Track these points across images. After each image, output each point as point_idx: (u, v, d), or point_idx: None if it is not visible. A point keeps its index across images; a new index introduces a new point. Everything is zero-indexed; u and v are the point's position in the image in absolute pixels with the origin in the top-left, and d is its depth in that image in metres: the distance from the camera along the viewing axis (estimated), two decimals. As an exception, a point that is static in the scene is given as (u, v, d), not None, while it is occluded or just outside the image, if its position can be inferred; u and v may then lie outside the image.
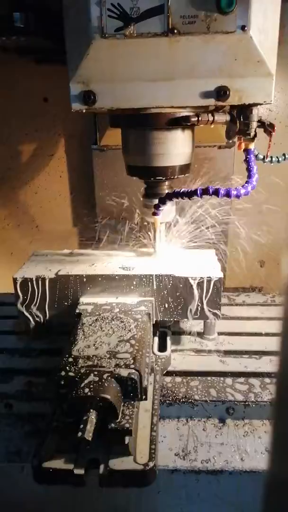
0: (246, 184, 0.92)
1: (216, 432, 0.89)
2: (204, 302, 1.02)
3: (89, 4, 0.79)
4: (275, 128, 0.93)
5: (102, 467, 0.72)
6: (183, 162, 0.99)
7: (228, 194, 0.89)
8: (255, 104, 0.87)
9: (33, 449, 0.80)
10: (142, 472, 0.72)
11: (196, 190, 0.91)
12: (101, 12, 0.79)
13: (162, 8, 0.78)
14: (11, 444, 0.88)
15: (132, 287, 1.03)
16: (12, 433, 0.90)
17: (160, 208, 1.01)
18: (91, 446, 0.68)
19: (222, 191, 0.89)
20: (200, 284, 1.01)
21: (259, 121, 0.91)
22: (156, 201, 1.02)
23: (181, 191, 0.94)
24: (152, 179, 1.02)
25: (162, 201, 1.00)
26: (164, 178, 1.00)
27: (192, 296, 1.02)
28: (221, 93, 0.83)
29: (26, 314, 1.05)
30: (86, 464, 0.73)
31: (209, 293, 1.01)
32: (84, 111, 0.87)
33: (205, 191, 0.90)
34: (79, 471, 0.71)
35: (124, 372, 0.76)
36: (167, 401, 0.92)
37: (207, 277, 1.00)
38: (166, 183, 1.03)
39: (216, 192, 0.90)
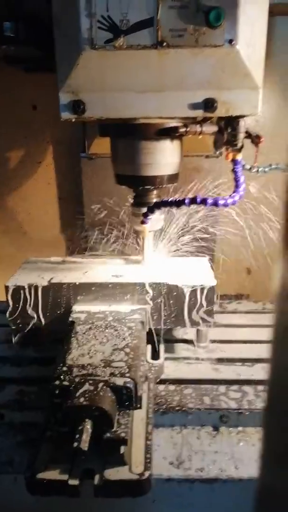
0: (233, 194, 0.93)
1: (210, 440, 0.89)
2: (198, 310, 1.03)
3: (79, 15, 0.79)
4: (262, 139, 0.95)
5: (97, 477, 0.71)
6: (172, 171, 1.00)
7: (215, 204, 0.90)
8: (242, 116, 0.89)
9: (25, 459, 0.79)
10: (137, 482, 0.71)
11: (184, 199, 0.92)
12: (91, 23, 0.80)
13: (151, 21, 0.79)
14: (3, 454, 0.86)
15: (125, 295, 1.03)
16: (3, 443, 0.89)
17: (148, 217, 1.02)
18: (87, 456, 0.67)
19: (209, 201, 0.90)
20: (193, 292, 1.01)
21: (246, 132, 0.93)
22: (144, 209, 1.02)
23: (169, 200, 0.95)
24: (140, 188, 1.02)
25: (151, 210, 1.01)
26: (152, 187, 1.01)
27: (185, 304, 1.02)
28: (209, 105, 0.85)
29: (18, 322, 1.04)
30: (81, 474, 0.72)
31: (203, 301, 1.02)
32: (73, 120, 0.88)
33: (193, 201, 0.91)
34: (74, 482, 0.70)
35: (119, 381, 0.75)
36: (161, 410, 0.92)
37: (200, 285, 1.01)
38: (155, 192, 1.04)
39: (203, 202, 0.91)
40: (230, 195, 0.93)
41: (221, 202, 0.91)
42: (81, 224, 1.38)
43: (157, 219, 1.06)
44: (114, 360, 0.81)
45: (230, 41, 0.81)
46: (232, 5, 0.78)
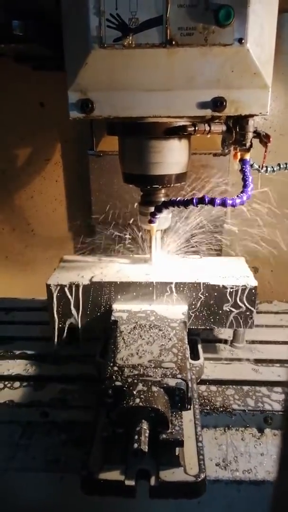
0: (241, 194, 0.93)
1: (255, 442, 0.89)
2: (239, 310, 1.02)
3: (88, 14, 0.79)
4: (271, 138, 0.94)
5: (153, 478, 0.71)
6: (180, 170, 1.00)
7: (223, 204, 0.90)
8: (251, 115, 0.88)
9: (71, 459, 0.80)
10: (194, 483, 0.71)
11: (192, 199, 0.92)
12: (100, 22, 0.79)
13: (160, 19, 0.79)
14: (49, 453, 0.87)
15: (166, 295, 1.03)
16: (49, 441, 0.90)
17: (156, 216, 1.02)
18: (142, 457, 0.67)
19: (217, 201, 0.90)
20: (235, 293, 1.01)
21: (254, 131, 0.92)
22: (152, 208, 1.02)
23: (177, 199, 0.95)
24: (148, 187, 1.02)
25: (158, 209, 1.00)
26: (160, 186, 1.01)
27: (226, 304, 1.02)
28: (218, 104, 0.84)
29: (58, 320, 1.05)
30: (136, 475, 0.72)
31: (244, 302, 1.02)
32: (82, 118, 0.88)
33: (201, 200, 0.91)
34: (130, 482, 0.70)
35: (172, 382, 0.75)
36: (205, 410, 0.92)
37: (242, 285, 1.01)
38: (163, 191, 1.04)
39: (211, 201, 0.91)
40: (238, 195, 0.92)
41: (229, 202, 0.90)
42: (89, 222, 1.38)
43: (165, 218, 1.06)
44: (164, 361, 0.81)
45: (240, 40, 0.80)
46: (242, 4, 0.77)
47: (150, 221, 1.04)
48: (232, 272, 1.07)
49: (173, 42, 0.80)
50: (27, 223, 1.54)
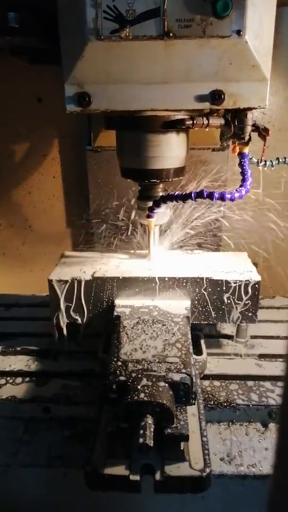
0: (240, 188, 0.92)
1: (259, 436, 0.88)
2: (242, 305, 1.02)
3: (85, 5, 0.78)
4: (270, 131, 0.93)
5: (158, 473, 0.71)
6: (178, 165, 0.99)
7: (222, 198, 0.89)
8: (250, 109, 0.87)
9: (74, 454, 0.80)
10: (199, 478, 0.71)
11: (190, 193, 0.91)
12: (96, 14, 0.78)
13: (158, 11, 0.78)
14: (52, 449, 0.87)
15: (169, 290, 1.02)
16: (52, 437, 0.89)
17: (154, 211, 1.01)
18: (147, 452, 0.67)
19: (216, 195, 0.89)
20: (238, 287, 1.00)
21: (253, 125, 0.91)
22: (150, 203, 1.01)
23: (176, 194, 0.94)
24: (146, 181, 1.01)
25: (157, 204, 1.00)
26: (158, 181, 1.00)
27: (229, 299, 1.01)
28: (216, 97, 0.83)
29: (60, 316, 1.04)
30: (140, 470, 0.72)
31: (248, 296, 1.01)
32: (79, 112, 0.87)
33: (199, 194, 0.91)
34: (135, 477, 0.70)
35: (176, 377, 0.75)
36: (209, 405, 0.91)
37: (246, 280, 1.00)
38: (161, 185, 1.03)
39: (210, 196, 0.90)
40: (236, 189, 0.92)
41: (227, 196, 0.89)
42: (86, 218, 1.38)
43: (163, 213, 1.05)
44: (168, 356, 0.81)
45: (238, 32, 0.79)
46: (240, -5, 0.76)
47: (148, 216, 1.03)
48: (235, 267, 1.06)
49: (171, 34, 0.79)
50: (25, 219, 1.53)
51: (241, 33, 0.79)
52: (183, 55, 0.81)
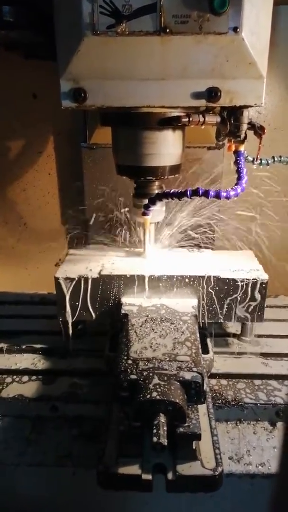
0: (235, 186, 0.92)
1: (267, 435, 0.88)
2: (249, 304, 1.01)
3: (81, 0, 0.77)
4: (265, 130, 0.93)
5: (170, 472, 0.71)
6: (174, 162, 0.98)
7: (218, 196, 0.89)
8: (246, 106, 0.87)
9: (83, 453, 0.79)
10: (212, 477, 0.70)
11: (186, 191, 0.91)
12: (93, 8, 0.78)
13: (154, 6, 0.78)
14: (60, 447, 0.86)
15: (176, 288, 1.02)
16: (60, 436, 0.88)
17: (150, 208, 1.01)
18: (158, 451, 0.66)
19: (211, 193, 0.89)
20: (246, 286, 1.00)
21: (249, 123, 0.91)
22: (146, 201, 1.01)
23: (171, 191, 0.94)
24: (142, 179, 1.01)
25: (152, 201, 0.99)
26: (154, 178, 1.00)
27: (237, 298, 1.01)
28: (212, 94, 0.83)
29: (66, 314, 1.03)
30: (152, 469, 0.71)
31: (255, 295, 1.01)
32: (74, 108, 0.86)
33: (195, 192, 0.90)
34: (147, 477, 0.70)
35: (188, 375, 0.75)
36: (217, 404, 0.91)
37: (253, 279, 1.00)
38: (156, 183, 1.03)
39: (205, 194, 0.90)
40: (232, 188, 0.91)
41: (223, 194, 0.89)
42: (82, 215, 1.37)
43: (158, 210, 1.04)
44: (179, 354, 0.80)
45: (235, 29, 0.79)
46: (237, -9, 0.76)
47: (144, 214, 1.03)
48: (242, 266, 1.06)
49: (167, 30, 0.79)
50: (20, 217, 1.52)
51: (238, 30, 0.79)
52: (180, 51, 0.80)
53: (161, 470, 0.72)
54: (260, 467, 0.81)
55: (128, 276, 1.01)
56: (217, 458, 0.73)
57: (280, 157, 1.06)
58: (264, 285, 1.00)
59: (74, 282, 1.01)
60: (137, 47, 0.80)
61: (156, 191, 1.02)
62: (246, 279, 1.00)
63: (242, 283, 1.00)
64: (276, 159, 1.06)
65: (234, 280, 1.00)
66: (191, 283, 1.01)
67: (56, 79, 0.85)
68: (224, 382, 0.97)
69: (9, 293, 1.45)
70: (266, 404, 0.91)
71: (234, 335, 1.14)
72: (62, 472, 0.83)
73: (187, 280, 1.01)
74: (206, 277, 1.00)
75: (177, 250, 1.17)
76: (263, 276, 1.01)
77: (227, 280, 1.00)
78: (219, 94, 0.83)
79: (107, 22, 0.79)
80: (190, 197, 0.92)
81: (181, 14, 0.78)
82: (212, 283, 1.00)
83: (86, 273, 1.02)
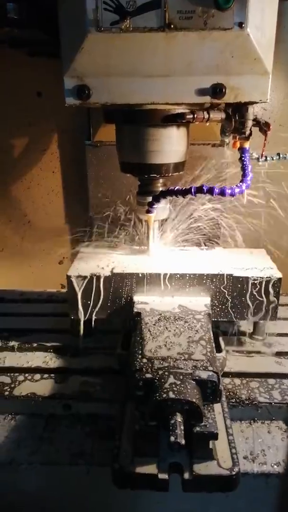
0: (240, 183, 0.91)
1: (282, 434, 0.87)
2: (263, 302, 1.01)
3: (85, -4, 0.77)
4: (271, 126, 0.92)
5: (187, 472, 0.70)
6: (178, 159, 0.98)
7: (222, 193, 0.89)
8: (251, 103, 0.87)
9: (96, 451, 0.80)
10: (229, 477, 0.70)
11: (190, 188, 0.91)
12: (96, 4, 0.77)
13: (158, 2, 0.77)
14: (73, 446, 0.86)
15: (189, 286, 1.01)
16: (73, 434, 0.88)
17: (154, 206, 1.01)
18: (174, 450, 0.66)
19: (216, 190, 0.89)
20: (259, 284, 0.99)
21: (254, 119, 0.91)
22: (150, 198, 1.01)
23: (175, 189, 0.93)
24: (146, 176, 1.01)
25: (156, 199, 0.99)
26: (158, 176, 0.99)
27: (250, 297, 1.01)
28: (217, 90, 0.83)
29: (78, 312, 1.03)
30: (168, 469, 0.71)
31: (268, 294, 1.00)
32: (78, 105, 0.86)
33: (199, 190, 0.90)
34: (163, 476, 0.70)
35: (204, 374, 0.74)
36: (231, 403, 0.90)
37: (267, 277, 0.99)
38: (160, 180, 1.03)
39: (210, 191, 0.89)
40: (237, 185, 0.91)
41: (228, 191, 0.89)
42: (86, 213, 1.37)
43: (162, 208, 1.04)
44: (194, 353, 0.80)
45: (240, 24, 0.78)
46: (242, -13, 0.75)
47: (148, 211, 1.02)
48: (255, 264, 1.05)
49: (172, 26, 0.78)
50: (24, 215, 1.52)
51: (243, 25, 0.78)
52: (184, 47, 0.80)
53: (177, 469, 0.71)
54: (275, 466, 0.81)
55: (140, 274, 1.01)
56: (233, 458, 0.72)
57: (286, 154, 1.05)
58: (278, 284, 0.99)
59: (86, 280, 1.01)
60: (141, 44, 0.79)
61: (160, 189, 1.02)
62: (260, 277, 0.99)
63: (255, 282, 0.99)
64: (281, 156, 1.05)
65: (247, 279, 0.99)
66: (204, 281, 1.01)
67: (60, 77, 0.84)
68: (237, 381, 0.97)
69: (16, 291, 1.45)
70: (281, 404, 0.90)
71: (246, 334, 1.13)
72: (75, 470, 0.83)
73: (200, 278, 1.01)
74: (219, 275, 1.00)
75: (187, 248, 1.16)
76: (277, 274, 1.00)
77: (241, 279, 1.00)
78: (224, 90, 0.83)
79: (111, 19, 0.78)
80: (195, 195, 0.91)
81: (185, 9, 0.77)
82: (226, 282, 1.00)
83: (98, 271, 1.02)
